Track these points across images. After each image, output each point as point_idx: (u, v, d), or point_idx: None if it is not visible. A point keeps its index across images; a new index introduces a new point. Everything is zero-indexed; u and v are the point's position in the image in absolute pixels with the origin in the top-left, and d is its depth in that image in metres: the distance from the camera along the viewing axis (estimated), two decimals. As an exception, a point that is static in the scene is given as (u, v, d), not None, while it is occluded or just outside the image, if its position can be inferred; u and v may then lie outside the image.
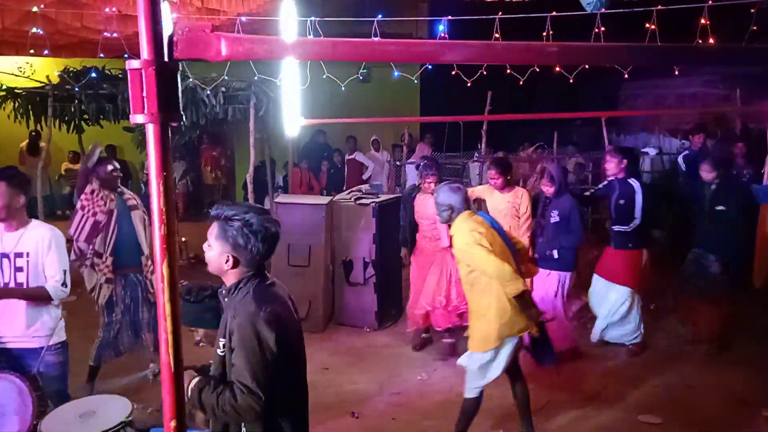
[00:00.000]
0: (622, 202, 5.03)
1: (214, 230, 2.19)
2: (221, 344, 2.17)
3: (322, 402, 4.21)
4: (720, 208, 4.90)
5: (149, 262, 4.58)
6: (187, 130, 7.72)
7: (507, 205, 5.13)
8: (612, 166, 5.09)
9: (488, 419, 4.15)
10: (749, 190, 5.13)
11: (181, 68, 1.34)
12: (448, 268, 5.14)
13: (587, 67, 5.83)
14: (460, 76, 5.95)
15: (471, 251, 3.48)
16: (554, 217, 4.92)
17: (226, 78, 6.28)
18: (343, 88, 6.16)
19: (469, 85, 6.12)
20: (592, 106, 12.56)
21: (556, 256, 4.95)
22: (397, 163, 9.89)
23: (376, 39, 4.24)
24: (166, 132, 1.30)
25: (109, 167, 4.52)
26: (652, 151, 10.06)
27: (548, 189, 4.97)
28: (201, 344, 2.66)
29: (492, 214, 5.18)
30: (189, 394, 2.11)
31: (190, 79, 6.62)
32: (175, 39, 1.29)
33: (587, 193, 5.68)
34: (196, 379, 2.15)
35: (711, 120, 9.52)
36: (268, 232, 2.17)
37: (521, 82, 5.91)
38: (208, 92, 6.94)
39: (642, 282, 5.20)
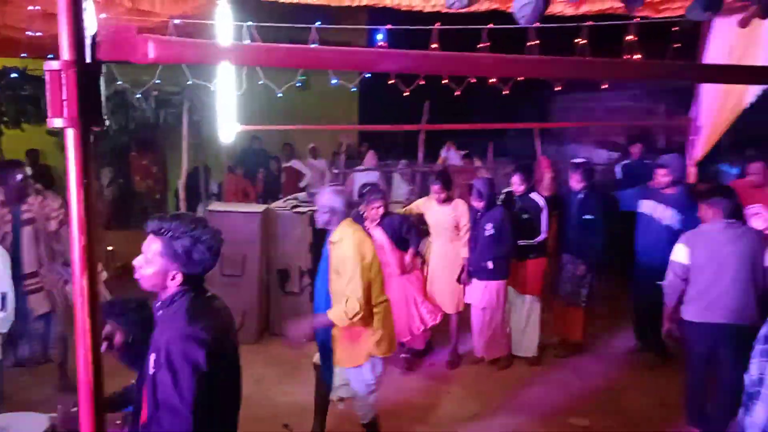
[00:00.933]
0: (525, 216, 5.19)
1: (156, 246, 2.06)
2: (152, 360, 2.02)
3: (254, 414, 4.11)
4: (588, 216, 5.13)
5: (33, 280, 4.34)
6: (116, 134, 7.45)
7: (447, 218, 5.17)
8: (516, 182, 5.23)
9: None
10: (613, 198, 5.46)
11: (108, 70, 1.27)
12: (411, 294, 5.14)
13: (521, 79, 6.00)
14: (398, 85, 5.98)
15: (353, 266, 3.44)
16: (488, 230, 5.01)
17: (157, 82, 6.08)
18: (280, 95, 6.09)
19: (406, 94, 6.16)
20: (525, 117, 12.92)
21: (491, 266, 5.04)
22: (335, 171, 9.85)
23: (314, 46, 4.22)
24: (87, 137, 1.23)
25: (18, 176, 4.23)
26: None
27: (478, 204, 5.05)
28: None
29: (432, 228, 5.26)
30: None
31: (119, 82, 6.38)
32: (98, 39, 1.22)
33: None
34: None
35: (637, 132, 9.98)
36: (216, 246, 2.11)
37: (458, 93, 6.00)
38: (139, 96, 6.70)
39: (545, 289, 5.39)
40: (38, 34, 6.03)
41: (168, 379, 1.93)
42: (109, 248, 7.34)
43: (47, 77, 1.21)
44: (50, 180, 11.22)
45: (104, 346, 2.49)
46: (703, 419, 3.87)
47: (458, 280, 5.20)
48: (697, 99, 5.83)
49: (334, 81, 6.25)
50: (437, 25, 5.43)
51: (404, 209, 5.43)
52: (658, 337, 4.82)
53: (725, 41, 5.29)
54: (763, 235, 3.74)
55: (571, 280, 5.31)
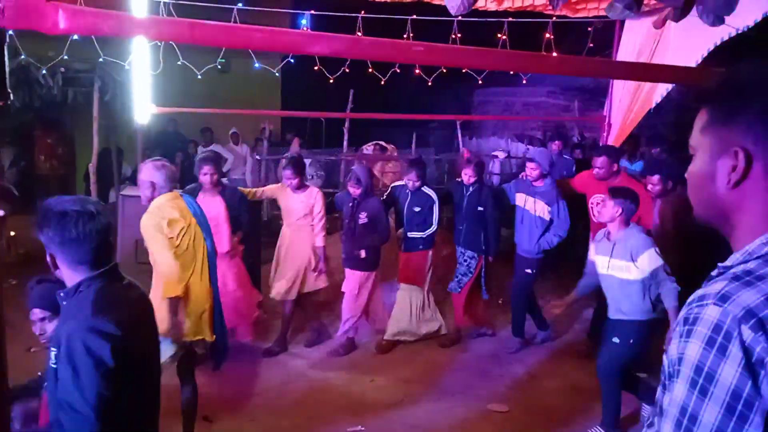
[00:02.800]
0: (417, 209, 5.30)
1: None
2: (53, 355, 1.85)
3: (174, 407, 3.97)
4: (480, 208, 5.34)
5: None
6: (18, 112, 6.95)
7: (300, 205, 5.14)
8: (413, 178, 5.30)
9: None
10: (502, 191, 5.70)
11: (10, 43, 1.17)
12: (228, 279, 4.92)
13: (444, 71, 6.09)
14: (322, 72, 5.92)
15: (151, 235, 3.41)
16: (362, 218, 5.08)
17: (65, 57, 5.71)
18: (199, 77, 5.87)
19: (331, 81, 6.11)
20: (448, 109, 13.15)
21: (363, 255, 5.13)
22: (257, 157, 9.66)
23: (241, 25, 4.08)
24: (-12, 111, 1.14)
25: None
26: (501, 155, 10.74)
27: (355, 191, 5.09)
28: (33, 350, 2.39)
29: (285, 214, 5.26)
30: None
31: (22, 56, 5.94)
32: (1, 5, 1.13)
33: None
34: (15, 410, 1.88)
35: (553, 127, 10.40)
36: (91, 226, 1.87)
37: (383, 82, 6.01)
38: (44, 72, 6.28)
39: (431, 278, 5.53)
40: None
41: (68, 375, 1.77)
42: (12, 233, 6.88)
43: (-59, 44, 1.10)
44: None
45: (38, 329, 2.36)
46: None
47: (314, 269, 5.22)
48: (609, 97, 6.12)
49: (256, 65, 6.08)
50: (362, 13, 5.41)
51: (249, 191, 5.33)
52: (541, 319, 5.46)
53: (635, 42, 5.59)
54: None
55: (465, 272, 5.44)
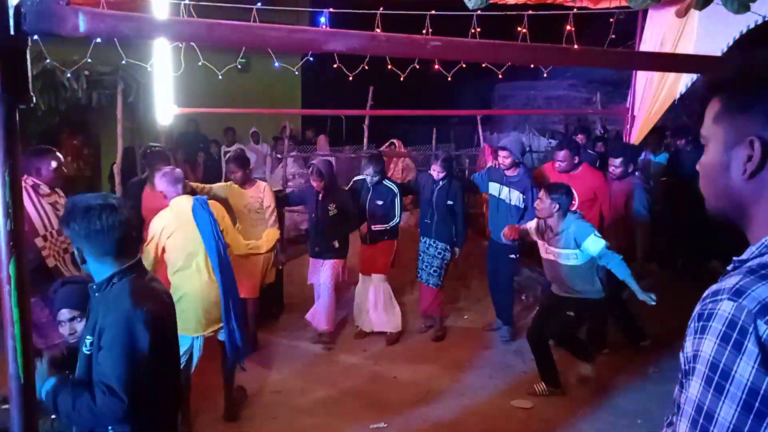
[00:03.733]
0: (380, 203, 5.41)
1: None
2: (88, 342, 2.03)
3: (195, 402, 4.03)
4: (450, 202, 5.43)
5: None
6: (45, 116, 7.07)
7: (250, 200, 5.07)
8: (370, 173, 5.41)
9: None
10: (471, 182, 5.86)
11: (36, 48, 1.19)
12: None
13: (464, 66, 6.05)
14: (342, 70, 5.92)
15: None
16: (332, 209, 5.21)
17: (89, 61, 5.79)
18: (220, 77, 5.92)
19: (350, 79, 6.11)
20: (468, 105, 13.08)
21: (336, 245, 5.26)
22: (278, 156, 9.70)
23: (258, 24, 4.10)
24: (11, 115, 1.15)
25: (53, 163, 3.99)
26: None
27: (318, 185, 5.17)
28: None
29: (236, 210, 5.13)
30: (44, 397, 1.94)
31: (48, 61, 6.05)
32: (22, 10, 1.14)
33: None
34: (53, 381, 1.98)
35: (575, 120, 10.26)
36: (115, 220, 2.01)
37: (402, 79, 6.00)
38: (69, 75, 6.38)
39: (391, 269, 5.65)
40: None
41: (109, 360, 1.92)
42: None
43: (-34, 50, 1.12)
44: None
45: (67, 329, 2.41)
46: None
47: (274, 263, 5.26)
48: (632, 89, 6.03)
49: (276, 64, 6.11)
50: (381, 10, 5.39)
51: (197, 186, 5.11)
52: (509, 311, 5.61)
53: (658, 32, 5.49)
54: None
55: (441, 264, 5.52)
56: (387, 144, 9.28)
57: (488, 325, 5.82)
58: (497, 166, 5.43)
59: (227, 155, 5.68)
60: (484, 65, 5.79)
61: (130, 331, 1.93)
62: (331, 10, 5.68)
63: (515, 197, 5.24)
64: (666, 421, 1.09)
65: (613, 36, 5.58)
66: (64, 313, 2.43)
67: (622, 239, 4.93)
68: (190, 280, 3.74)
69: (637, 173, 5.26)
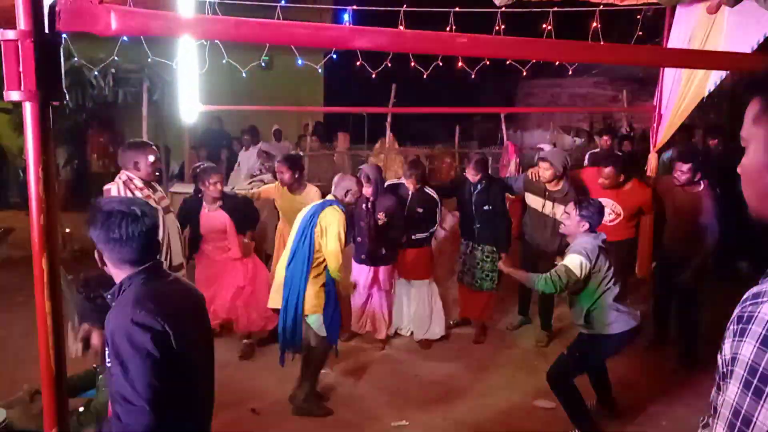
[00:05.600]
0: (420, 210, 5.20)
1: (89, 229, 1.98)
2: (107, 353, 1.93)
3: (220, 399, 4.06)
4: (487, 207, 5.20)
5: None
6: (72, 113, 7.20)
7: (299, 207, 4.81)
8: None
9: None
10: (507, 185, 5.49)
11: (64, 46, 1.21)
12: (239, 281, 4.96)
13: (488, 63, 6.02)
14: (365, 67, 5.93)
15: None
16: (380, 217, 4.99)
17: (116, 59, 5.88)
18: (244, 75, 5.97)
19: (373, 76, 6.12)
20: (491, 102, 12.99)
21: (384, 252, 5.12)
22: (301, 153, 9.75)
23: (285, 21, 4.13)
24: (46, 111, 1.17)
25: (151, 157, 3.98)
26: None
27: (367, 190, 4.94)
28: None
29: (283, 214, 5.16)
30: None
31: (75, 59, 6.15)
32: (57, 9, 1.16)
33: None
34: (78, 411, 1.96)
35: (601, 119, 10.14)
36: (140, 225, 1.93)
37: (425, 76, 5.98)
38: (96, 73, 6.48)
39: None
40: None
41: (118, 370, 1.83)
42: (67, 230, 7.14)
43: (2, 48, 1.14)
44: (3, 159, 10.83)
45: (80, 348, 2.40)
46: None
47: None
48: (659, 87, 5.93)
49: (299, 61, 6.14)
50: (404, 7, 5.39)
51: (250, 193, 5.24)
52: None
53: (686, 30, 5.39)
54: None
55: (477, 267, 5.35)
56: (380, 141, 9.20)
57: (511, 325, 5.79)
58: (534, 179, 5.14)
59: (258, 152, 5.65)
60: (507, 62, 5.76)
61: (130, 335, 1.84)
62: (354, 7, 5.69)
63: (560, 212, 4.84)
64: (701, 423, 1.08)
65: (640, 33, 5.51)
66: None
67: (686, 251, 4.73)
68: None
69: (703, 181, 4.88)
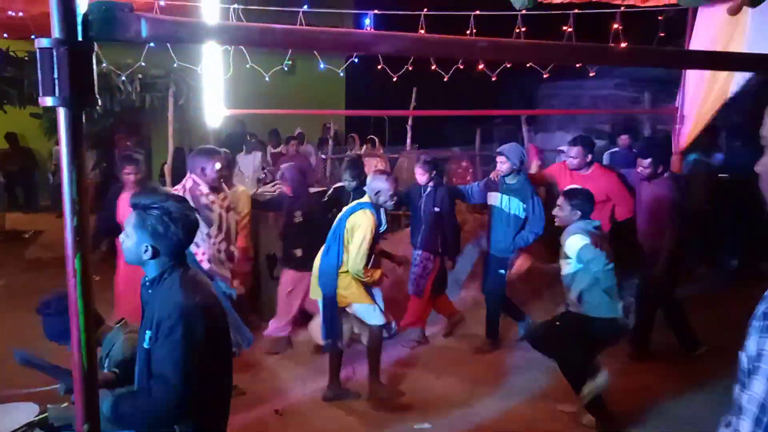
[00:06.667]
0: (437, 210, 5.19)
1: (131, 219, 2.11)
2: (147, 337, 2.07)
3: (243, 400, 4.12)
4: (436, 209, 5.18)
5: None
6: (101, 118, 7.34)
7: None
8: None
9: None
10: (459, 192, 5.50)
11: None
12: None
13: (508, 66, 6.01)
14: (386, 71, 5.95)
15: None
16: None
17: (142, 64, 5.99)
18: (267, 79, 6.03)
19: (394, 80, 6.14)
20: (512, 104, 12.92)
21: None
22: (323, 156, 9.82)
23: (308, 27, 4.18)
24: (79, 117, 1.21)
25: (217, 164, 4.14)
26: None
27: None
28: None
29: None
30: (108, 413, 1.99)
31: (104, 64, 6.28)
32: (89, 17, 1.20)
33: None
34: (110, 397, 2.04)
35: (622, 120, 10.04)
36: (187, 219, 2.11)
37: (446, 79, 5.99)
38: (123, 79, 6.60)
39: None
40: (20, 14, 5.91)
41: (166, 351, 1.97)
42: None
43: (38, 55, 1.19)
44: (33, 162, 11.07)
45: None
46: None
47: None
48: (682, 88, 5.86)
49: (321, 65, 6.19)
50: (425, 11, 5.41)
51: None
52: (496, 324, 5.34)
53: (709, 31, 5.33)
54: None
55: (422, 273, 5.29)
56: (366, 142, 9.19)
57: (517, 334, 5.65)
58: (495, 177, 5.19)
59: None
60: (528, 65, 5.75)
61: (187, 320, 1.98)
62: (375, 11, 5.72)
63: (515, 206, 4.99)
64: (723, 422, 1.07)
65: (662, 34, 5.45)
66: None
67: (659, 243, 4.77)
68: None
69: (667, 173, 4.93)
